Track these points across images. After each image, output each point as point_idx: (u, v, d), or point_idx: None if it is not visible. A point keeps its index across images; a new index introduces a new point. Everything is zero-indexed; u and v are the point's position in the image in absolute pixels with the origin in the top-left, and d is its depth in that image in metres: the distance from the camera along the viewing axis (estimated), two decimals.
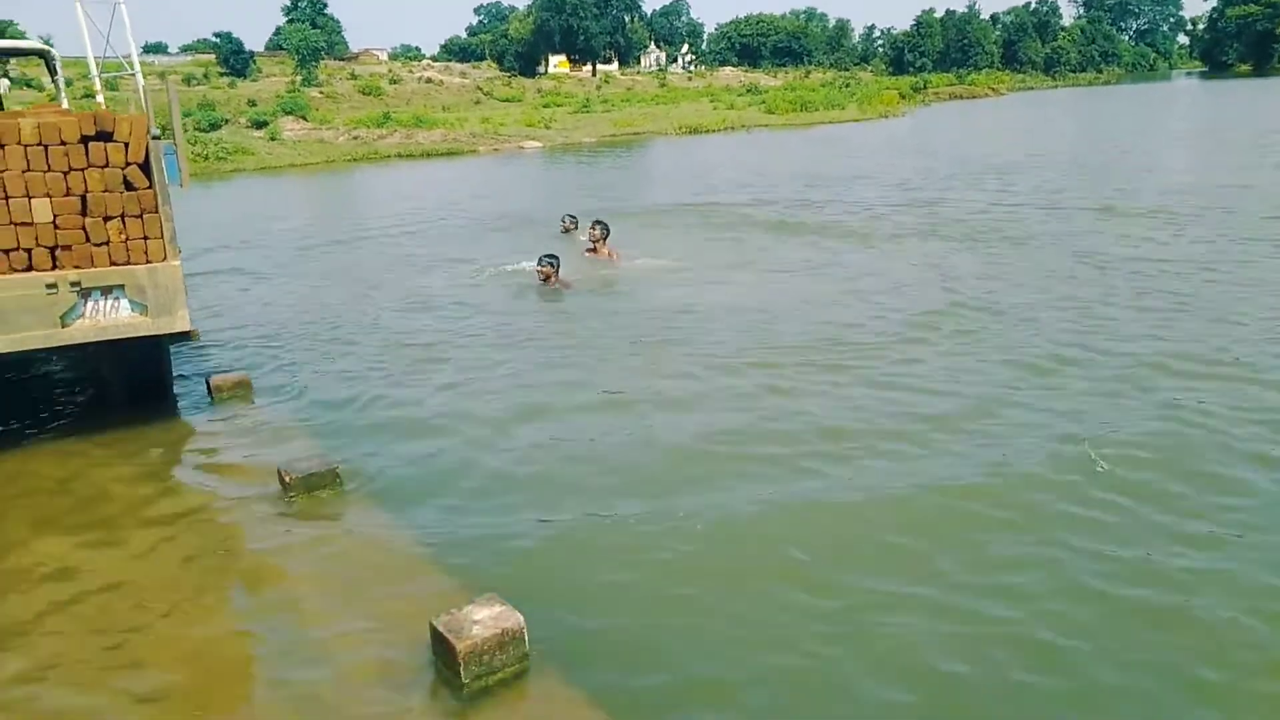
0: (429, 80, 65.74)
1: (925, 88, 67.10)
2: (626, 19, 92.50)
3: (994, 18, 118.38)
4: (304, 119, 36.93)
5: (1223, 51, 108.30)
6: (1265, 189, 15.65)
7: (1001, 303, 8.96)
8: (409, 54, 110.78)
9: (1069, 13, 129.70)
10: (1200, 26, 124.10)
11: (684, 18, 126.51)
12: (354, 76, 61.07)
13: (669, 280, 10.69)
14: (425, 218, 16.90)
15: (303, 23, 65.77)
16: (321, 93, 50.92)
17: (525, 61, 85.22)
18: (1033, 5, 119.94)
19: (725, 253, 12.26)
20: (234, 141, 31.35)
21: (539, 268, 10.46)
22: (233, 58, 63.93)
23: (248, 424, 6.76)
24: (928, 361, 7.31)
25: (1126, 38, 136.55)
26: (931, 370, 7.10)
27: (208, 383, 7.32)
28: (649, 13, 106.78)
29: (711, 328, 8.51)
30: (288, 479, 5.37)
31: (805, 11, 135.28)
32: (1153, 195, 15.62)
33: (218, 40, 66.59)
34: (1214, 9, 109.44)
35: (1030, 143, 29.02)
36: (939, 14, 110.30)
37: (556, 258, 10.54)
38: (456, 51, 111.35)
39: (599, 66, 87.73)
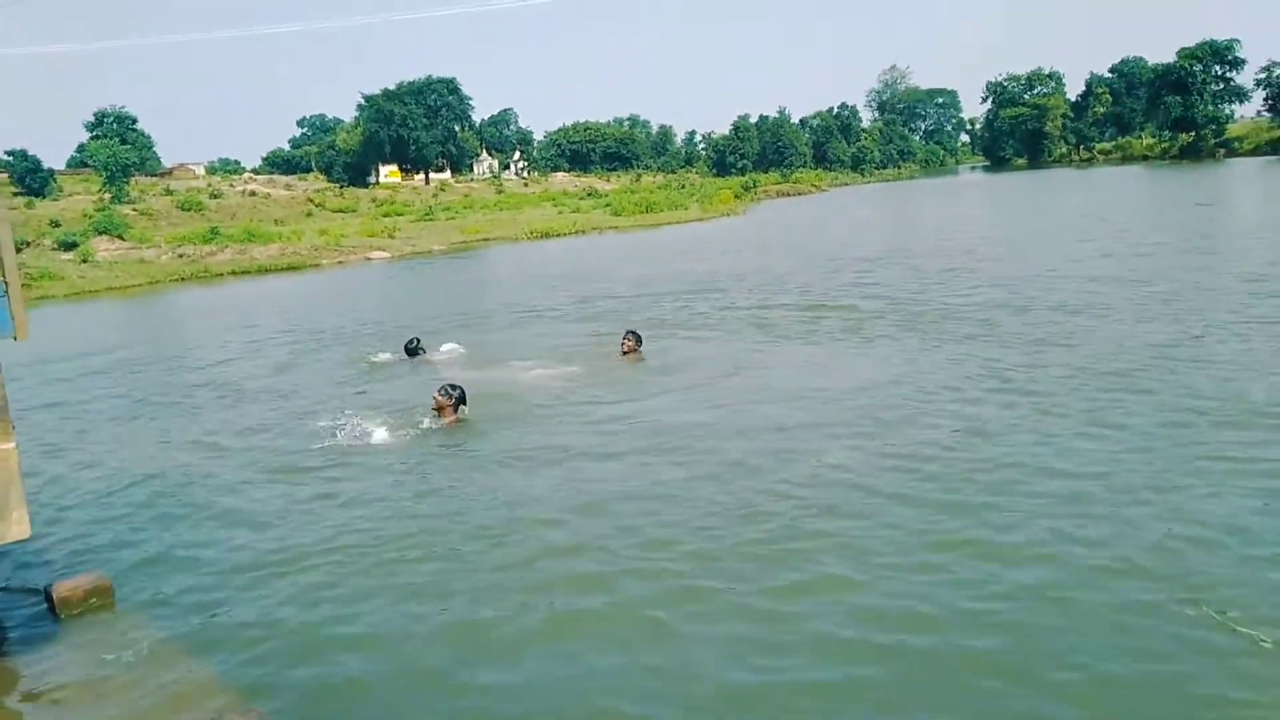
0: (253, 193, 62.59)
1: (755, 186, 70.21)
2: (456, 128, 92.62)
3: (803, 121, 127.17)
4: (120, 238, 33.69)
5: (1000, 148, 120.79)
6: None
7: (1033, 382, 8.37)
8: (228, 168, 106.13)
9: (867, 116, 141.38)
10: (979, 126, 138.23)
11: (512, 126, 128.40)
12: (170, 192, 57.19)
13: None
14: (296, 337, 15.09)
15: (110, 138, 61.41)
16: (136, 210, 47.12)
17: (355, 172, 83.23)
18: (835, 110, 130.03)
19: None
20: (39, 266, 27.97)
21: (436, 395, 9.07)
22: (29, 176, 58.56)
23: (118, 659, 4.97)
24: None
25: (918, 137, 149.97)
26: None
27: (48, 594, 5.47)
28: (478, 122, 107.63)
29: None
30: None
31: (629, 119, 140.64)
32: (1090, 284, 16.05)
33: (10, 158, 60.99)
34: (989, 111, 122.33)
35: (907, 233, 30.18)
36: (754, 119, 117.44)
37: (460, 389, 9.18)
38: (280, 164, 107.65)
39: (432, 175, 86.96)
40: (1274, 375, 8.59)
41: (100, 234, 33.90)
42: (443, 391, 9.10)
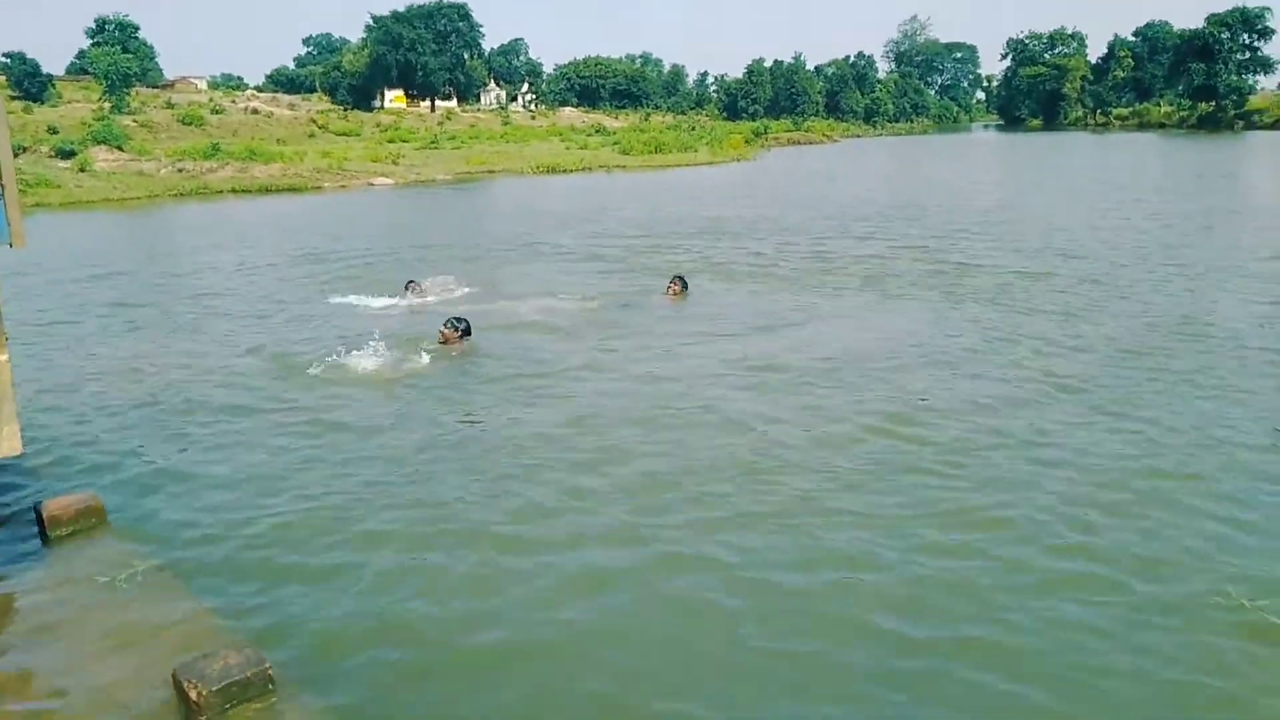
0: (255, 111, 61.35)
1: (766, 133, 69.09)
2: (465, 56, 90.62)
3: (818, 69, 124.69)
4: (120, 149, 32.97)
5: (1016, 107, 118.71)
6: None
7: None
8: (230, 83, 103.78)
9: (883, 67, 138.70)
10: (995, 84, 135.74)
11: (522, 57, 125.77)
12: (171, 105, 56.04)
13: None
14: (298, 260, 14.76)
15: (112, 46, 59.82)
16: (136, 121, 46.15)
17: (360, 95, 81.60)
18: (851, 59, 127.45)
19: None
20: (35, 173, 27.38)
21: (443, 329, 8.99)
22: (27, 80, 57.24)
23: (109, 581, 4.80)
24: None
25: (933, 92, 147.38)
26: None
27: (37, 512, 5.30)
28: (487, 51, 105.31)
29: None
30: (195, 693, 3.59)
31: (641, 56, 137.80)
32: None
33: (8, 60, 59.50)
34: (1008, 69, 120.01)
35: (935, 188, 29.66)
36: (768, 64, 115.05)
37: (466, 321, 9.08)
38: (283, 82, 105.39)
39: (438, 103, 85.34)
40: None
41: (99, 144, 33.19)
42: (449, 324, 9.06)
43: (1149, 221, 18.50)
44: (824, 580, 4.69)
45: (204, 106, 56.99)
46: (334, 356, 8.58)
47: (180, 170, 30.82)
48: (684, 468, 6.07)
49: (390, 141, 50.37)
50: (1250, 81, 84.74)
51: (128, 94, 53.65)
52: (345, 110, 69.50)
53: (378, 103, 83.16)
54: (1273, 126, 73.71)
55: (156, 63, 75.02)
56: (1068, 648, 4.06)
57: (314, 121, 60.83)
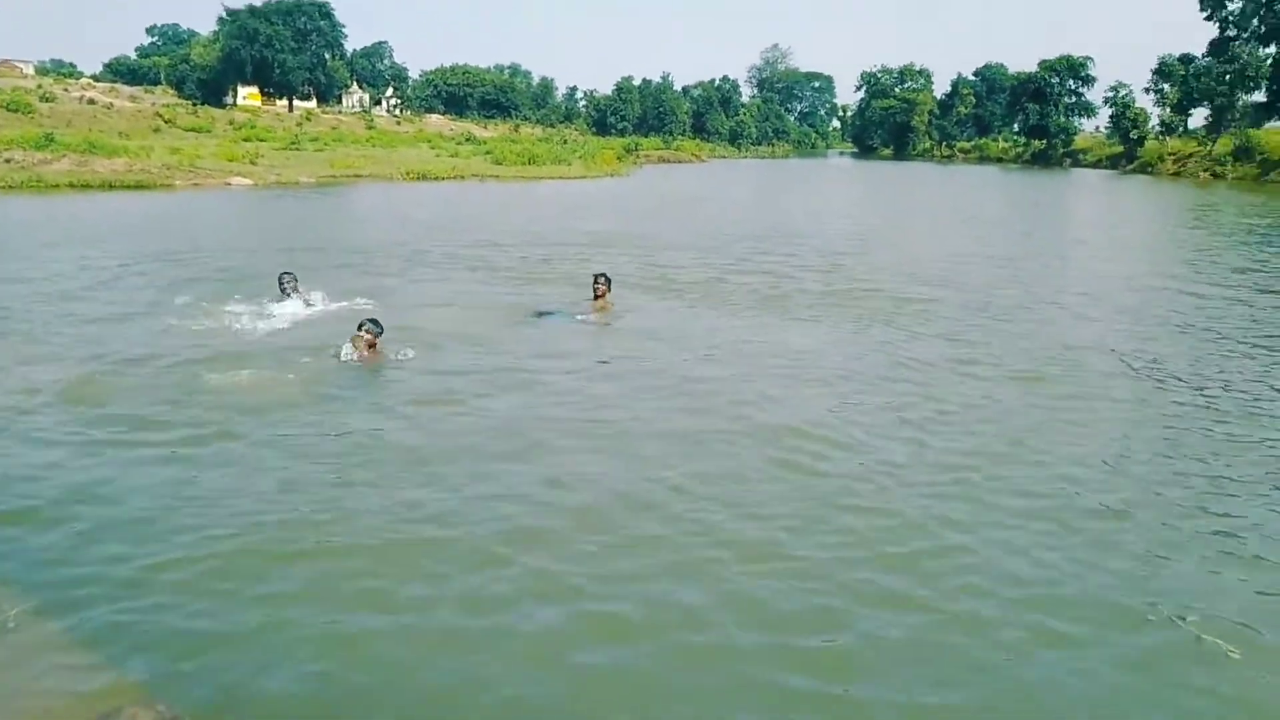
0: (92, 101, 56.75)
1: (637, 149, 69.73)
2: (326, 56, 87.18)
3: (685, 90, 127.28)
4: None
5: (869, 136, 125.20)
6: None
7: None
8: (62, 70, 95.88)
9: (746, 92, 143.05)
10: (850, 114, 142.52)
11: (386, 61, 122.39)
12: None
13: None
14: (164, 264, 13.49)
15: None
16: None
17: (210, 90, 77.05)
18: (716, 82, 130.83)
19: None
20: None
21: (360, 334, 8.17)
22: None
23: None
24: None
25: (793, 118, 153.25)
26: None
27: None
28: (350, 52, 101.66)
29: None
30: None
31: (510, 67, 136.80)
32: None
33: None
34: (862, 100, 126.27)
35: (800, 211, 30.35)
36: (636, 82, 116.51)
37: (381, 325, 8.34)
38: (123, 73, 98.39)
39: (297, 103, 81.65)
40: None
41: None
42: (366, 327, 8.22)
43: (1012, 249, 19.61)
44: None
45: (31, 93, 52.28)
46: (218, 371, 7.79)
47: (8, 161, 27.97)
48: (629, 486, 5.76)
49: (246, 140, 47.66)
50: (1076, 123, 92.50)
51: None
52: (194, 105, 65.34)
53: (230, 99, 78.81)
54: (1095, 165, 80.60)
55: None
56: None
57: (159, 115, 56.85)
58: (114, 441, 6.29)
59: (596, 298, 10.76)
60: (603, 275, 11.00)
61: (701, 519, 5.36)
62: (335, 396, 7.44)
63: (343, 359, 8.07)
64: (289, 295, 10.51)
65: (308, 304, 10.53)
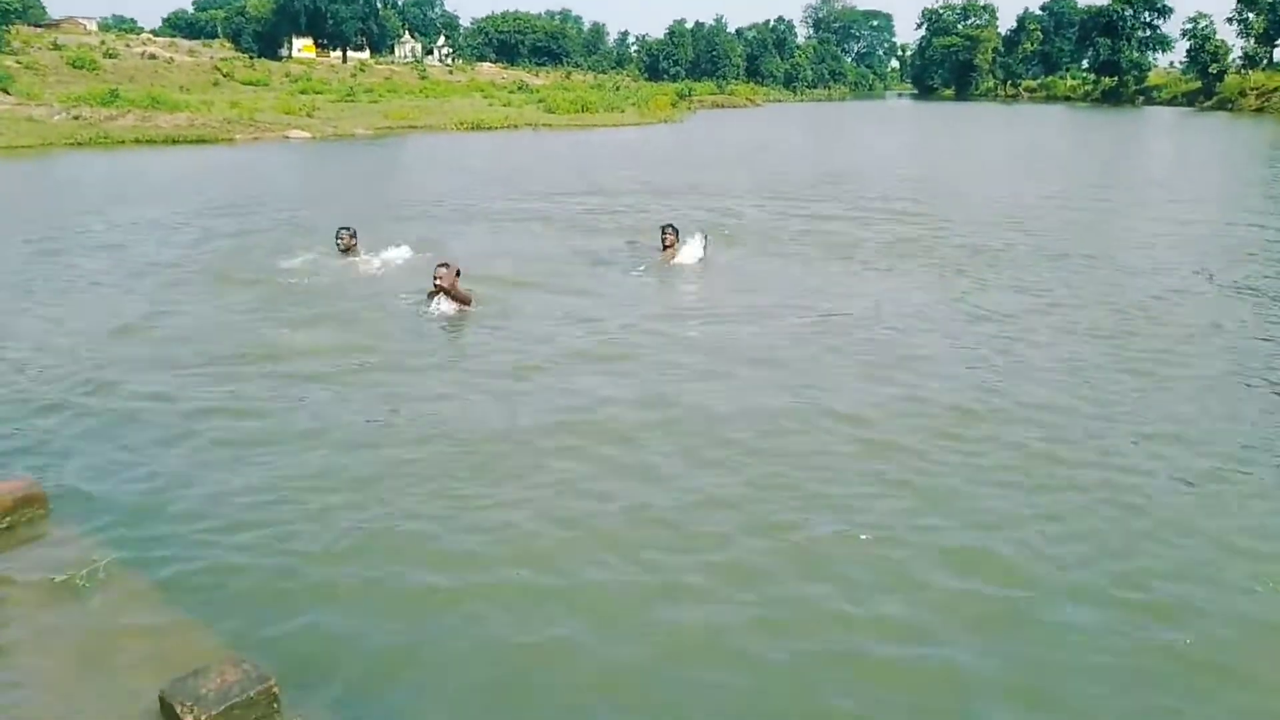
0: (153, 56, 57.48)
1: (690, 95, 68.50)
2: (379, 4, 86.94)
3: (738, 32, 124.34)
4: (5, 92, 30.32)
5: (929, 77, 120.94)
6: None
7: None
8: (123, 26, 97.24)
9: (801, 33, 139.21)
10: (910, 53, 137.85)
11: (437, 9, 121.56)
12: (58, 47, 51.99)
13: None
14: (234, 215, 13.68)
15: None
16: (19, 63, 42.62)
17: (265, 43, 77.54)
18: (771, 23, 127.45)
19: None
20: None
21: (440, 270, 8.10)
22: None
23: (65, 580, 4.16)
24: None
25: (849, 59, 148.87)
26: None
27: None
28: (401, 1, 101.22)
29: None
30: (192, 719, 3.06)
31: (561, 13, 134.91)
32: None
33: None
34: (922, 38, 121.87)
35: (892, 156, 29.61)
36: (689, 25, 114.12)
37: (448, 265, 8.31)
38: (181, 27, 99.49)
39: (350, 54, 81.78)
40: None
41: None
42: (445, 266, 8.12)
43: (1107, 197, 18.85)
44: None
45: (95, 50, 53.08)
46: (288, 329, 7.86)
47: (76, 117, 28.53)
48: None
49: (303, 93, 47.93)
50: (1150, 58, 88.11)
51: (7, 32, 49.53)
52: (251, 59, 65.78)
53: (285, 51, 79.24)
54: (1170, 102, 76.85)
55: (40, 1, 69.67)
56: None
57: (218, 69, 57.40)
58: (196, 402, 6.39)
59: (665, 248, 10.61)
60: (670, 226, 10.84)
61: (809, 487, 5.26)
62: (415, 351, 7.46)
63: (431, 309, 8.08)
64: (345, 252, 10.42)
65: (373, 257, 10.46)
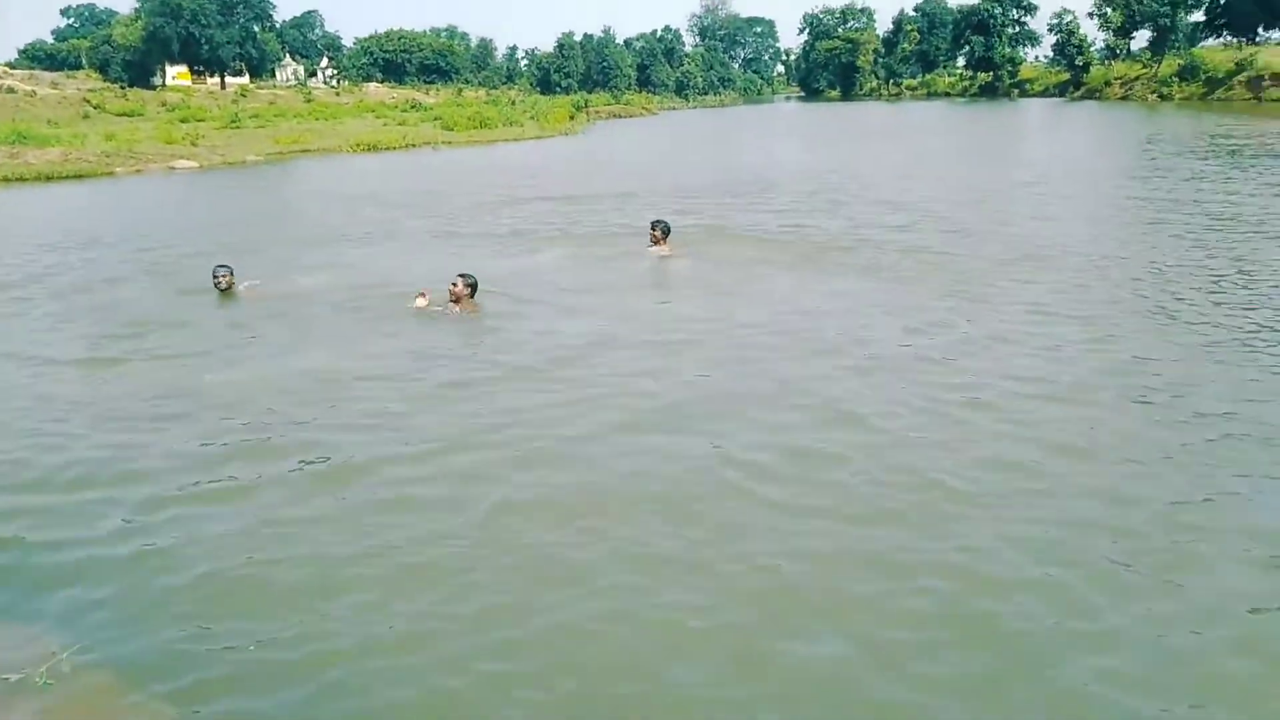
0: (12, 90, 53.99)
1: (587, 106, 68.43)
2: (255, 28, 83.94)
3: (627, 43, 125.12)
4: None
5: (815, 79, 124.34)
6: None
7: None
8: None
9: (689, 41, 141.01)
10: (795, 57, 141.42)
11: (318, 30, 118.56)
12: None
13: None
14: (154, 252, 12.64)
15: None
16: None
17: (136, 71, 73.77)
18: (659, 33, 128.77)
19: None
20: None
21: (451, 286, 8.48)
22: None
23: (22, 679, 3.55)
24: None
25: (736, 65, 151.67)
26: None
27: None
28: (279, 23, 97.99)
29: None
30: None
31: (447, 29, 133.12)
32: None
33: None
34: (805, 43, 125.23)
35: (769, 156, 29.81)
36: (578, 37, 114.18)
37: (474, 278, 8.66)
38: (40, 59, 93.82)
39: (229, 79, 78.69)
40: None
41: None
42: (461, 279, 8.55)
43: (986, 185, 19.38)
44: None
45: None
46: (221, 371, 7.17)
47: None
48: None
49: (183, 121, 45.71)
50: (1021, 53, 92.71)
51: None
52: (123, 88, 62.53)
53: (158, 79, 75.65)
54: (1042, 94, 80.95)
55: None
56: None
57: (87, 101, 54.29)
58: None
59: (654, 245, 10.81)
60: (660, 222, 10.97)
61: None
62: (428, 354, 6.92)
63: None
64: (224, 289, 9.57)
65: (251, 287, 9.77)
